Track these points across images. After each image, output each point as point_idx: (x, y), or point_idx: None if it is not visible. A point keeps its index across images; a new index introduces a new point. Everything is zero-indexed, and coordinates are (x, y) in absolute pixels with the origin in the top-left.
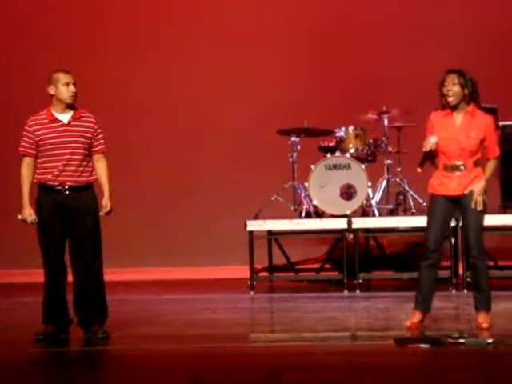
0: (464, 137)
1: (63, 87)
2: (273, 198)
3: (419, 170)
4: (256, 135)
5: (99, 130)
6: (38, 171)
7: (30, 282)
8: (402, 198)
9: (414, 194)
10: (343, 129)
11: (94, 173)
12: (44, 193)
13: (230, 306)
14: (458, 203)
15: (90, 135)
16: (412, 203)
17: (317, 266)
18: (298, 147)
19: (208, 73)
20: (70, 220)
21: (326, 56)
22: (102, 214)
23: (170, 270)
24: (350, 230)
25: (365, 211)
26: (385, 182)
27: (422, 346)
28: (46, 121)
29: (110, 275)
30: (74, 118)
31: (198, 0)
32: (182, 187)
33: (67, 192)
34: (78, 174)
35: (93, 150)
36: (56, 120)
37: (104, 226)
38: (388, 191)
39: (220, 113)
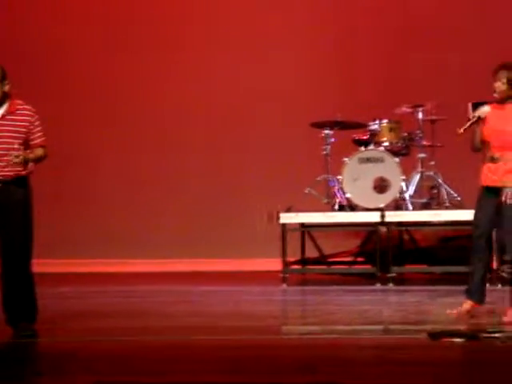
0: (504, 129)
1: None
2: (306, 191)
3: (460, 130)
4: (289, 128)
5: (37, 123)
6: None
7: None
8: (435, 191)
9: (448, 188)
10: (377, 122)
11: (28, 167)
12: None
13: (263, 298)
14: (498, 195)
15: (24, 129)
16: (446, 197)
17: (349, 259)
18: (332, 140)
19: (241, 67)
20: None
21: (360, 48)
22: (10, 158)
23: (205, 262)
24: (383, 223)
25: (398, 205)
26: (418, 176)
27: (456, 340)
28: None
29: (154, 266)
30: (8, 112)
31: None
32: (216, 180)
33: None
34: (9, 168)
35: (30, 143)
36: None
37: (147, 218)
38: (421, 185)
39: (254, 106)
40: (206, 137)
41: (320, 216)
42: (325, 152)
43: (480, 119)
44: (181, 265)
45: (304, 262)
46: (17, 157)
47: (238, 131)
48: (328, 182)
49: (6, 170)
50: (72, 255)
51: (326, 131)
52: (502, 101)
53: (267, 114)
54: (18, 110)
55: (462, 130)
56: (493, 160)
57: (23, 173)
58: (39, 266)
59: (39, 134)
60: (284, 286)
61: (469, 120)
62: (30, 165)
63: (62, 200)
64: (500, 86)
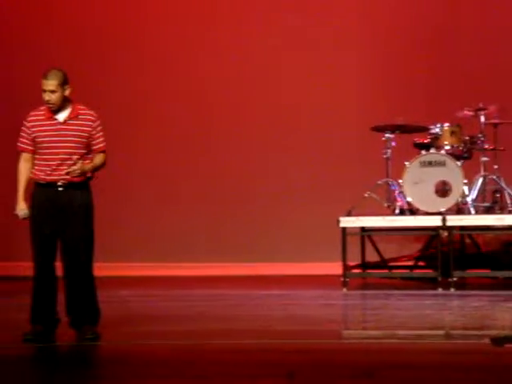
0: None
1: (43, 94)
2: (366, 195)
3: None
4: (350, 132)
5: (98, 128)
6: (34, 167)
7: None
8: (498, 195)
9: (511, 192)
10: (438, 125)
11: (89, 172)
12: (37, 189)
13: (323, 302)
14: None
15: (86, 134)
16: (509, 201)
17: (410, 263)
18: (393, 144)
19: (305, 71)
20: (61, 218)
21: (422, 52)
22: (64, 171)
23: (265, 266)
24: (444, 227)
25: (460, 209)
26: (481, 180)
27: None
28: (43, 117)
29: (214, 269)
30: (70, 117)
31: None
32: (276, 184)
33: (60, 189)
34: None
35: (92, 148)
36: (52, 118)
37: (205, 222)
38: (484, 189)
39: (314, 109)
40: (268, 138)
41: (380, 220)
42: (385, 156)
43: None
44: (240, 269)
45: (364, 266)
46: (72, 171)
47: (300, 134)
48: (389, 185)
49: (69, 175)
50: (128, 259)
51: (387, 135)
52: None
53: (328, 117)
54: (80, 114)
55: None
56: None
57: (84, 178)
58: (99, 269)
59: (101, 139)
60: (344, 290)
61: None
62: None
63: (116, 203)
64: None
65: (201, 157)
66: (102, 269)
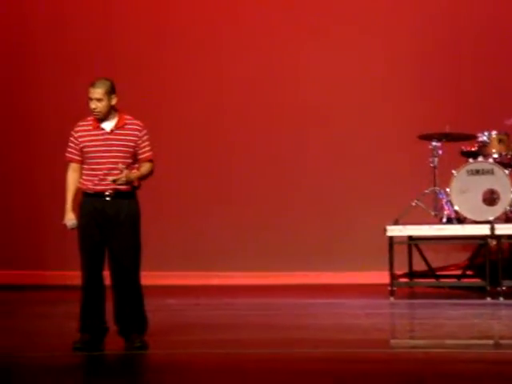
0: None
1: (89, 102)
2: (413, 204)
3: None
4: (396, 140)
5: (145, 138)
6: (82, 177)
7: None
8: None
9: None
10: (486, 133)
11: (136, 181)
12: (85, 199)
13: (370, 311)
14: None
15: (133, 144)
16: None
17: (458, 272)
18: (440, 152)
19: (351, 79)
20: (108, 227)
21: (469, 59)
22: (110, 179)
23: (311, 275)
24: (492, 236)
25: (508, 217)
26: None
27: None
28: (91, 128)
29: (263, 279)
30: (117, 126)
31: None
32: (322, 191)
33: (107, 199)
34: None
35: (138, 157)
36: (99, 128)
37: (251, 232)
38: None
39: (361, 117)
40: (315, 147)
41: (428, 229)
42: (432, 164)
43: None
44: (288, 278)
45: (412, 275)
46: (118, 180)
47: (348, 143)
48: (436, 194)
49: (114, 184)
50: (172, 268)
51: (434, 143)
52: None
53: (374, 125)
54: (126, 124)
55: None
56: None
57: (131, 187)
58: (146, 278)
59: (147, 149)
60: (391, 299)
61: None
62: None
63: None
64: None
65: (245, 164)
66: (148, 278)
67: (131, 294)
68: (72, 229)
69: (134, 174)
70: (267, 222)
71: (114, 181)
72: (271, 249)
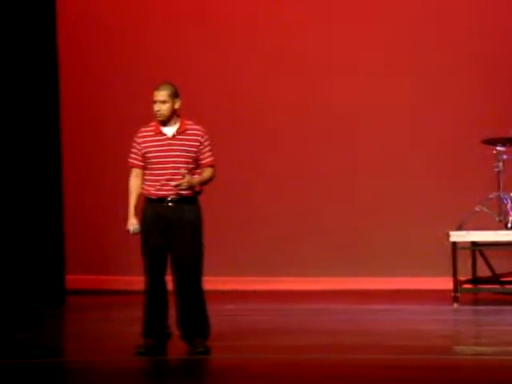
0: None
1: (153, 104)
2: (477, 209)
3: None
4: (461, 144)
5: (206, 143)
6: (145, 183)
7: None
8: None
9: None
10: None
11: (198, 186)
12: (148, 204)
13: (433, 317)
14: None
15: (194, 149)
16: None
17: None
18: (505, 157)
19: (407, 80)
20: (170, 232)
21: None
22: (173, 184)
23: (373, 280)
24: None
25: None
26: None
27: None
28: (153, 133)
29: (320, 283)
30: (178, 132)
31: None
32: (385, 196)
33: (170, 204)
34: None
35: (200, 163)
36: (161, 133)
37: (304, 236)
38: None
39: (424, 122)
40: (375, 150)
41: (491, 234)
42: (497, 169)
43: None
44: (348, 283)
45: (476, 281)
46: (179, 185)
47: (412, 147)
48: (501, 199)
49: (176, 190)
50: (227, 273)
51: (499, 148)
52: None
53: (439, 129)
54: (187, 129)
55: None
56: None
57: (192, 192)
58: (207, 283)
59: (208, 154)
60: (455, 305)
61: None
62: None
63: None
64: None
65: (297, 172)
66: (209, 283)
67: (194, 299)
68: (134, 234)
69: (196, 179)
70: (325, 225)
71: (177, 186)
72: (328, 254)
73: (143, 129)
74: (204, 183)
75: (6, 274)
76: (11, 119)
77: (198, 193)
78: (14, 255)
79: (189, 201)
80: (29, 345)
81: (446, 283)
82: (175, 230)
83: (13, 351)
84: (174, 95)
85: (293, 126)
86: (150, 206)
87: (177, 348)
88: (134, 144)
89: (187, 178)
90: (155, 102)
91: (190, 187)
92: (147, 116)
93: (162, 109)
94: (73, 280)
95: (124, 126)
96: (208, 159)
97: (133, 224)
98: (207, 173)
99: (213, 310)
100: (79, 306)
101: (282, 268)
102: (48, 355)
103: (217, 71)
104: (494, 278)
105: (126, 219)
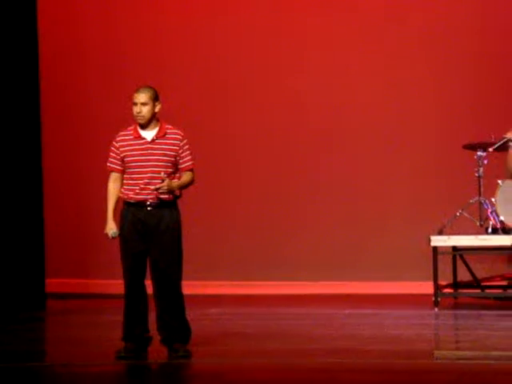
0: None
1: (133, 107)
2: (458, 214)
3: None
4: (440, 149)
5: (185, 147)
6: (123, 187)
7: None
8: None
9: None
10: None
11: (176, 192)
12: (126, 208)
13: (414, 322)
14: None
15: (173, 153)
16: None
17: (504, 283)
18: (485, 162)
19: (392, 86)
20: (149, 237)
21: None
22: (152, 187)
23: (354, 285)
24: None
25: None
26: None
27: None
28: (131, 137)
29: (299, 288)
30: (157, 136)
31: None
32: (365, 200)
33: (148, 208)
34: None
35: (179, 167)
36: (140, 137)
37: (292, 240)
38: None
39: (404, 126)
40: (356, 155)
41: (473, 239)
42: (478, 174)
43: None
44: (330, 287)
45: (456, 285)
46: (159, 188)
47: (391, 152)
48: (481, 204)
49: (155, 192)
50: (217, 277)
51: (479, 153)
52: None
53: (419, 135)
54: (167, 133)
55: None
56: None
57: (172, 197)
58: (188, 287)
59: (188, 158)
60: (436, 309)
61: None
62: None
63: (203, 222)
64: None
65: (283, 176)
66: (190, 287)
67: (173, 303)
68: (113, 238)
69: (175, 182)
70: (310, 232)
71: (156, 189)
72: (313, 259)
73: (122, 133)
74: (184, 187)
75: None
76: None
77: (178, 197)
78: None
79: (168, 205)
80: (9, 348)
81: (427, 287)
82: (154, 234)
83: None
84: (155, 98)
85: (273, 129)
86: (129, 210)
87: (157, 352)
88: (112, 148)
89: (166, 181)
90: (135, 104)
91: (170, 191)
92: (127, 120)
93: (143, 111)
94: (53, 284)
95: (104, 129)
96: (187, 163)
97: (111, 228)
98: (187, 177)
99: (197, 314)
100: (59, 310)
101: (266, 272)
102: (28, 359)
103: (202, 70)
104: (475, 283)
105: (105, 223)
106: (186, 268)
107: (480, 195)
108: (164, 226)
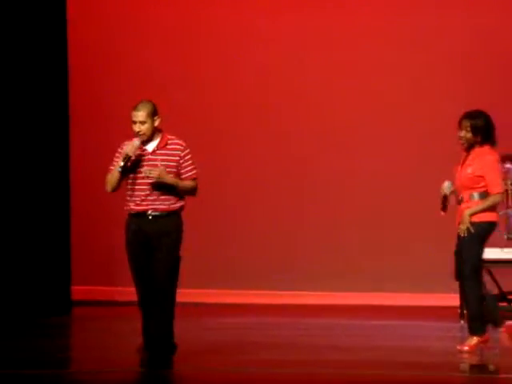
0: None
1: (132, 125)
2: None
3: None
4: None
5: (187, 157)
6: (126, 198)
7: None
8: None
9: None
10: None
11: (179, 200)
12: (129, 219)
13: (440, 334)
14: None
15: (174, 163)
16: None
17: None
18: None
19: (413, 88)
20: (150, 246)
21: None
22: (144, 170)
23: (379, 296)
24: None
25: None
26: None
27: None
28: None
29: (328, 298)
30: (159, 147)
31: None
32: (392, 209)
33: (150, 218)
34: (159, 202)
35: (181, 177)
36: (141, 148)
37: (308, 251)
38: None
39: (431, 140)
40: (375, 164)
41: (499, 252)
42: (506, 186)
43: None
44: (356, 298)
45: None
46: (150, 172)
47: (417, 165)
48: (509, 216)
49: (156, 203)
50: (224, 285)
51: (508, 165)
52: (468, 148)
53: (441, 150)
54: (168, 144)
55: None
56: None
57: (175, 207)
58: (200, 296)
59: (190, 168)
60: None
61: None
62: (181, 200)
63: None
64: (465, 134)
65: (297, 184)
66: (206, 295)
67: (161, 311)
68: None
69: (172, 178)
70: (335, 239)
71: (148, 173)
72: (331, 268)
73: (126, 142)
74: (184, 192)
75: (13, 284)
76: (20, 131)
77: (181, 208)
78: (20, 265)
79: (170, 215)
80: (34, 355)
81: (453, 300)
82: (154, 242)
83: (17, 361)
84: (153, 114)
85: (270, 131)
86: (132, 220)
87: (183, 360)
88: (117, 154)
89: (159, 169)
90: (135, 122)
91: (159, 179)
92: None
93: (142, 129)
94: (79, 291)
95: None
96: (189, 173)
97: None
98: (188, 183)
99: (215, 323)
100: (85, 317)
101: (290, 282)
102: (53, 366)
103: (202, 70)
104: (501, 296)
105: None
106: (203, 277)
107: (507, 208)
108: (162, 233)
